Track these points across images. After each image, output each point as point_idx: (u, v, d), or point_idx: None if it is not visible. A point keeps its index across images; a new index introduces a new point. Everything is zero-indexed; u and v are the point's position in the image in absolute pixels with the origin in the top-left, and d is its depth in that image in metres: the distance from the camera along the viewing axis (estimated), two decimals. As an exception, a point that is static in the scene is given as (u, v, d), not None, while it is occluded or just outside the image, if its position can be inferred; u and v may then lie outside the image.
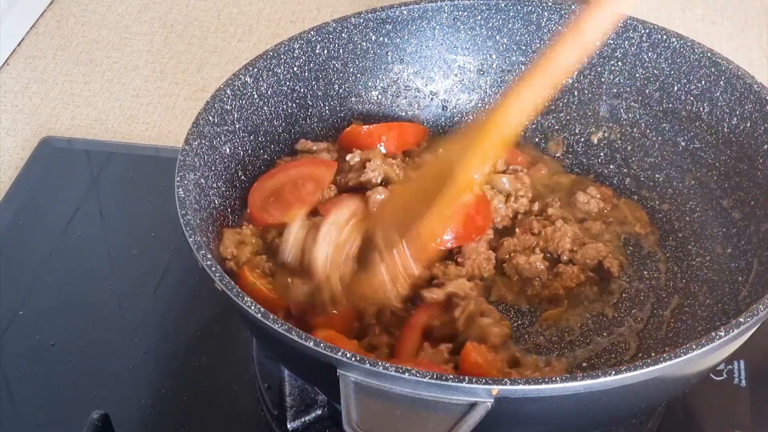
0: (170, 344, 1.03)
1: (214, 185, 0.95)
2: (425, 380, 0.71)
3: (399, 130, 1.07)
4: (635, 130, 1.07)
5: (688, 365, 0.76)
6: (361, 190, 1.01)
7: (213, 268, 0.80)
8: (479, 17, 1.07)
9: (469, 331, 0.91)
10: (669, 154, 1.05)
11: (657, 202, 1.05)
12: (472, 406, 0.71)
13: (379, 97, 1.10)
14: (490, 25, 1.08)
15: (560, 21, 1.06)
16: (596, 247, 0.99)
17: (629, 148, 1.08)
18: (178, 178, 0.87)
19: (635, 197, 1.06)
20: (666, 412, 0.95)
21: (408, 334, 0.91)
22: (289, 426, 0.93)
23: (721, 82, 0.99)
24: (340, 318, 0.89)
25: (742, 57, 1.35)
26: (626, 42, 1.04)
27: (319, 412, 0.93)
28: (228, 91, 0.97)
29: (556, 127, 1.11)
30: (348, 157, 1.02)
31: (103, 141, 1.27)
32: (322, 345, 0.74)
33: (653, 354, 0.92)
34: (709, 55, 0.99)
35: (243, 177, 1.00)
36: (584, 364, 0.92)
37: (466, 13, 1.07)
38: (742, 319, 0.77)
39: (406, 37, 1.08)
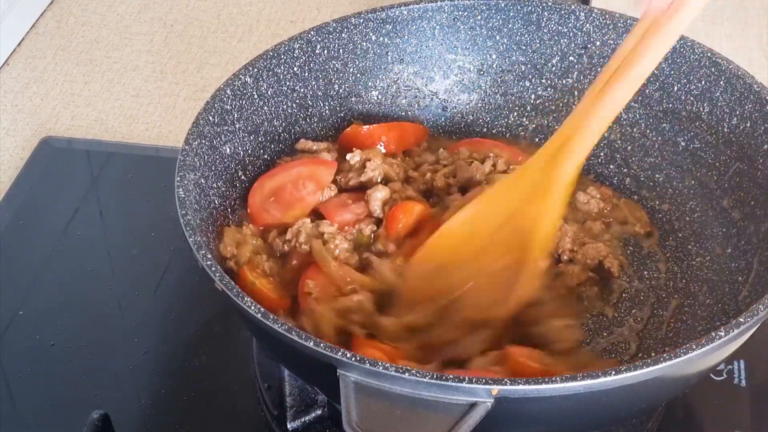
0: (170, 344, 1.03)
1: (214, 185, 0.95)
2: (425, 380, 0.71)
3: (399, 130, 1.07)
4: (635, 130, 1.07)
5: (688, 365, 0.76)
6: (361, 189, 1.01)
7: (213, 268, 0.80)
8: (479, 17, 1.07)
9: (534, 332, 0.91)
10: (669, 154, 1.05)
11: (657, 202, 1.05)
12: (472, 406, 0.71)
13: (379, 97, 1.10)
14: (490, 25, 1.08)
15: (560, 21, 1.06)
16: (596, 247, 0.99)
17: (629, 148, 1.08)
18: (178, 178, 0.87)
19: (635, 197, 1.06)
20: (666, 412, 0.95)
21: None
22: (289, 426, 0.93)
23: (721, 82, 0.99)
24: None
25: (742, 57, 1.35)
26: (626, 42, 1.04)
27: (319, 412, 0.93)
28: (228, 91, 0.97)
29: (556, 127, 1.10)
30: (348, 157, 1.02)
31: (103, 141, 1.27)
32: (322, 345, 0.74)
33: (653, 354, 0.92)
34: (709, 55, 0.99)
35: (243, 177, 1.00)
36: (584, 364, 0.92)
37: (466, 13, 1.07)
38: (742, 319, 0.77)
39: (406, 37, 1.08)
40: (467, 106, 1.12)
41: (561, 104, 1.10)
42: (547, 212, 0.88)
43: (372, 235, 0.98)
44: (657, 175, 1.06)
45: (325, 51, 1.05)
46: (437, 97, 1.12)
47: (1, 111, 1.33)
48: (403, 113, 1.11)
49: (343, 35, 1.05)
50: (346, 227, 0.98)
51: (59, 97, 1.35)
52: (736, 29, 1.43)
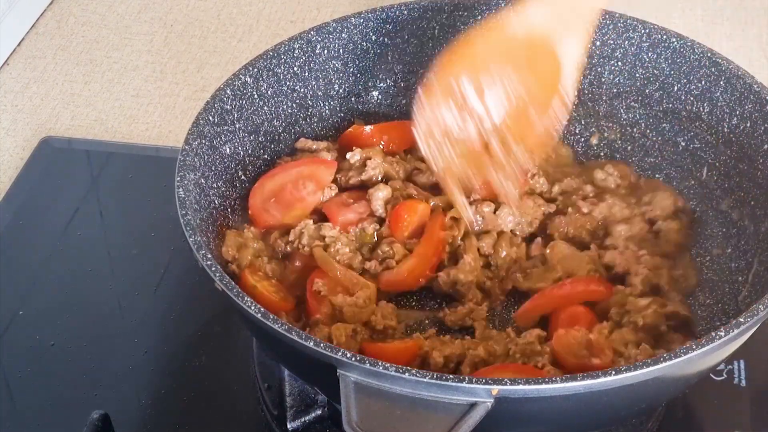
0: (170, 344, 1.03)
1: (214, 185, 0.95)
2: (425, 380, 0.71)
3: (400, 130, 1.07)
4: (635, 130, 1.07)
5: (688, 365, 0.76)
6: (362, 188, 1.01)
7: (213, 268, 0.80)
8: (479, 17, 1.07)
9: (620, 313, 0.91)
10: (669, 154, 1.05)
11: (657, 202, 1.05)
12: (472, 406, 0.71)
13: (379, 97, 1.10)
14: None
15: (560, 21, 1.06)
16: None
17: (629, 148, 1.08)
18: (178, 178, 0.87)
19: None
20: (666, 412, 0.95)
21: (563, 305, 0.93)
22: (289, 426, 0.93)
23: (721, 82, 0.99)
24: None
25: (742, 57, 1.35)
26: (626, 42, 1.04)
27: (319, 412, 0.93)
28: (228, 91, 0.97)
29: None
30: (348, 156, 1.02)
31: (103, 141, 1.27)
32: (322, 345, 0.74)
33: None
34: (709, 55, 0.99)
35: (243, 177, 1.00)
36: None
37: (466, 13, 1.07)
38: (742, 319, 0.77)
39: (406, 37, 1.08)
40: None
41: (561, 104, 1.10)
42: (580, 37, 0.92)
43: (375, 233, 0.98)
44: (657, 175, 1.05)
45: (325, 51, 1.05)
46: (437, 97, 1.11)
47: (1, 111, 1.33)
48: (403, 113, 1.11)
49: (343, 35, 1.05)
50: (349, 227, 0.98)
51: (59, 97, 1.35)
52: (736, 29, 1.43)
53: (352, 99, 1.08)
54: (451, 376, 0.72)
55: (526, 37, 0.92)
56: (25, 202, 1.17)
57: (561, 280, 0.96)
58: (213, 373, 1.00)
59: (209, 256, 0.81)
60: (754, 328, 0.79)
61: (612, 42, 1.05)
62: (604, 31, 1.05)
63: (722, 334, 0.76)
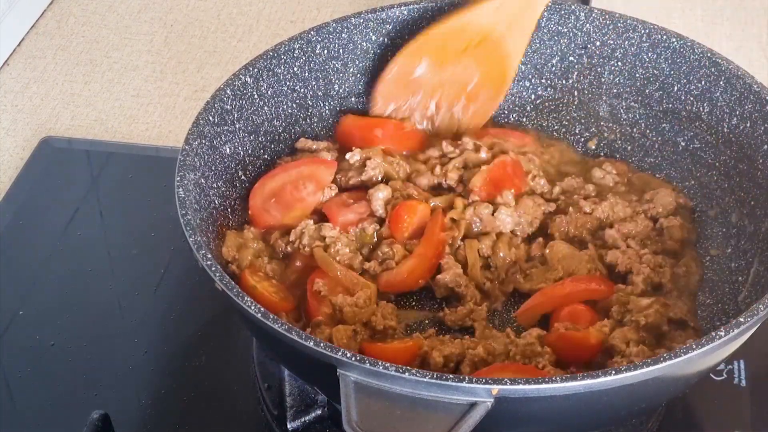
0: (170, 344, 1.03)
1: (214, 185, 0.95)
2: (425, 380, 0.71)
3: (394, 125, 1.06)
4: (635, 130, 1.07)
5: (688, 365, 0.76)
6: (362, 188, 1.01)
7: (213, 268, 0.80)
8: (479, 17, 1.07)
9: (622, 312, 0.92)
10: (669, 154, 1.05)
11: (657, 202, 1.05)
12: (472, 405, 0.71)
13: (379, 97, 1.10)
14: (490, 25, 1.08)
15: (560, 21, 1.06)
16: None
17: (629, 148, 1.08)
18: (178, 178, 0.87)
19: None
20: (666, 412, 0.95)
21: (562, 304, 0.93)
22: (289, 426, 0.93)
23: (721, 82, 0.99)
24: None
25: (742, 57, 1.35)
26: (626, 42, 1.04)
27: (319, 412, 0.93)
28: (228, 91, 0.97)
29: (555, 128, 1.10)
30: (348, 156, 1.02)
31: (103, 141, 1.27)
32: (322, 345, 0.74)
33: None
34: (709, 55, 0.99)
35: (243, 177, 1.00)
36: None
37: (466, 13, 1.07)
38: (742, 319, 0.77)
39: (406, 37, 1.07)
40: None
41: (561, 104, 1.10)
42: (521, 42, 1.04)
43: (375, 234, 0.98)
44: (657, 175, 1.05)
45: (325, 51, 1.05)
46: (437, 97, 1.12)
47: (1, 111, 1.33)
48: (403, 113, 1.11)
49: (343, 35, 1.05)
50: (349, 227, 0.98)
51: (59, 97, 1.35)
52: (736, 29, 1.43)
53: (352, 99, 1.08)
54: (451, 375, 0.72)
55: (476, 30, 1.02)
56: (25, 202, 1.17)
57: (562, 279, 0.96)
58: (213, 373, 1.00)
59: (209, 256, 0.81)
60: (754, 328, 0.79)
61: (612, 42, 1.05)
62: (604, 31, 1.05)
63: (722, 334, 0.76)
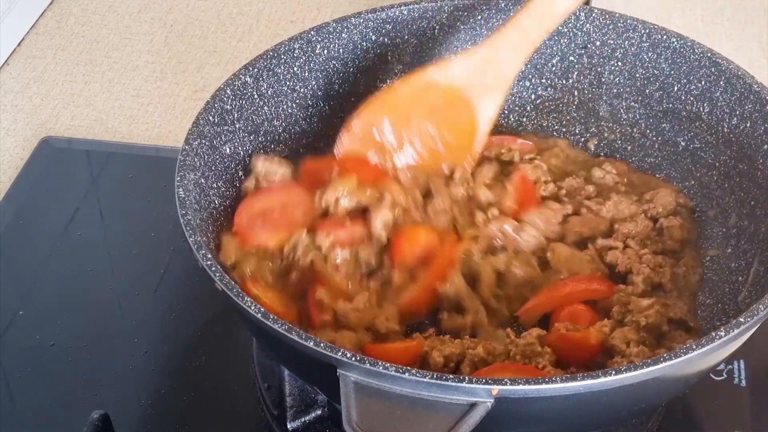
0: (170, 344, 1.03)
1: (214, 185, 0.95)
2: (425, 380, 0.71)
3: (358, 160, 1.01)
4: (635, 130, 1.07)
5: (688, 365, 0.76)
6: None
7: (213, 268, 0.80)
8: (479, 17, 1.07)
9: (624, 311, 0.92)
10: (669, 154, 1.05)
11: (657, 202, 1.05)
12: (472, 406, 0.71)
13: (379, 97, 1.10)
14: (490, 25, 1.08)
15: (560, 21, 1.06)
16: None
17: (629, 148, 1.08)
18: (178, 178, 0.87)
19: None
20: (666, 412, 0.95)
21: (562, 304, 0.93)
22: (289, 426, 0.93)
23: (721, 82, 0.99)
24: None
25: (742, 57, 1.35)
26: (626, 42, 1.04)
27: (319, 412, 0.93)
28: (228, 91, 0.97)
29: (555, 128, 1.11)
30: (316, 200, 0.96)
31: (103, 141, 1.27)
32: (322, 345, 0.74)
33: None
34: (709, 55, 0.99)
35: (243, 177, 1.00)
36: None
37: (466, 13, 1.07)
38: (742, 319, 0.77)
39: (406, 37, 1.08)
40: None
41: (561, 104, 1.10)
42: (496, 99, 1.01)
43: (368, 262, 0.94)
44: (657, 175, 1.05)
45: (325, 51, 1.05)
46: (437, 97, 1.11)
47: (1, 111, 1.33)
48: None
49: (343, 35, 1.05)
50: (338, 247, 0.94)
51: (59, 97, 1.35)
52: (736, 29, 1.43)
53: (352, 99, 1.08)
54: (451, 376, 0.72)
55: (445, 89, 1.00)
56: (25, 202, 1.17)
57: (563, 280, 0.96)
58: (213, 373, 1.00)
59: (209, 256, 0.81)
60: (754, 328, 0.79)
61: (612, 42, 1.05)
62: (604, 31, 1.05)
63: (722, 334, 0.76)
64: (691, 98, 1.02)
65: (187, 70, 1.39)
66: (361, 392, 0.72)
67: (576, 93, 1.09)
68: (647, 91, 1.05)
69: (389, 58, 1.08)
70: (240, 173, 0.99)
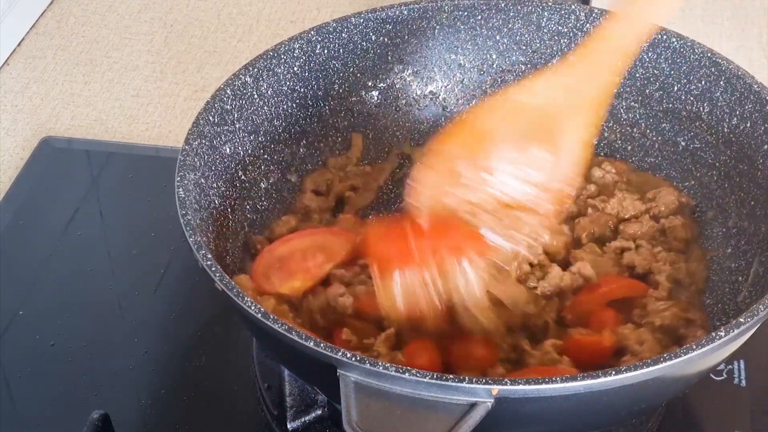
0: (170, 344, 1.03)
1: (214, 185, 0.95)
2: (425, 380, 0.71)
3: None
4: (635, 130, 1.07)
5: (688, 365, 0.76)
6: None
7: (213, 268, 0.80)
8: (479, 17, 1.07)
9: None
10: (669, 154, 1.05)
11: (657, 202, 1.05)
12: (472, 406, 0.71)
13: (379, 97, 1.10)
14: (490, 25, 1.08)
15: (560, 21, 1.06)
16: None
17: (629, 148, 1.08)
18: (178, 178, 0.87)
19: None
20: (666, 412, 0.95)
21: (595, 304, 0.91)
22: (289, 426, 0.93)
23: (721, 82, 0.99)
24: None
25: (742, 57, 1.35)
26: (626, 42, 1.04)
27: (319, 412, 0.93)
28: (228, 91, 0.97)
29: (556, 127, 1.10)
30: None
31: (103, 141, 1.27)
32: (322, 345, 0.74)
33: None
34: (709, 55, 0.99)
35: (243, 177, 1.00)
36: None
37: (466, 13, 1.07)
38: (742, 319, 0.77)
39: (406, 37, 1.08)
40: (467, 107, 1.12)
41: (561, 104, 1.10)
42: (582, 129, 0.84)
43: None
44: (657, 175, 1.05)
45: (325, 51, 1.05)
46: (437, 98, 1.12)
47: (1, 111, 1.33)
48: (403, 113, 1.11)
49: (343, 35, 1.05)
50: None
51: (59, 97, 1.35)
52: (736, 29, 1.43)
53: (352, 99, 1.08)
54: (451, 376, 0.72)
55: (530, 116, 0.84)
56: (25, 202, 1.17)
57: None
58: (213, 373, 1.00)
59: (209, 256, 0.81)
60: (754, 328, 0.79)
61: (612, 42, 1.05)
62: (604, 31, 1.05)
63: (722, 334, 0.76)
64: (691, 98, 1.02)
65: (187, 70, 1.39)
66: (361, 392, 0.72)
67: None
68: (647, 91, 1.05)
69: (389, 58, 1.08)
70: (240, 173, 0.99)
